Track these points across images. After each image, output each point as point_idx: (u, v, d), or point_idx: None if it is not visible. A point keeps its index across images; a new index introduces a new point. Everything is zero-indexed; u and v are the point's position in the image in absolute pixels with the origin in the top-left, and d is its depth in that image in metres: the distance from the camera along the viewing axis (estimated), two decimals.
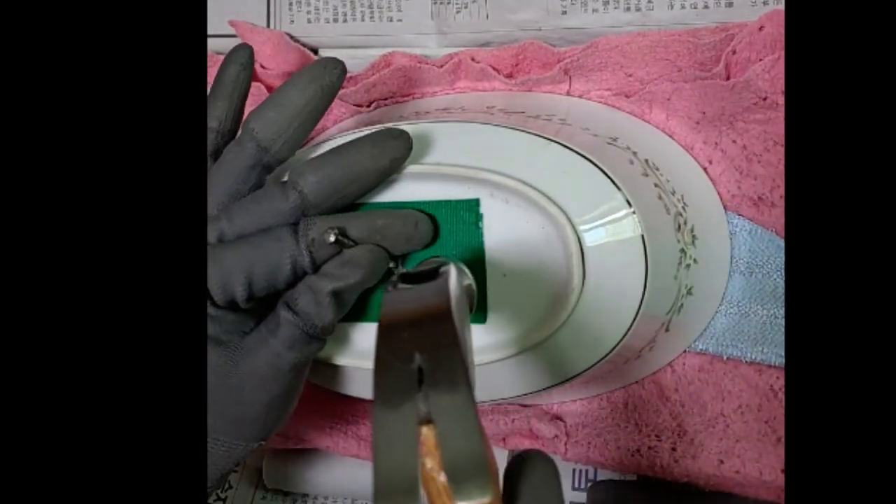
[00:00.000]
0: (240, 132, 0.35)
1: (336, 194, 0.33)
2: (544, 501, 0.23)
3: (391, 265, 0.35)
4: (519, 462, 0.24)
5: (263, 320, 0.34)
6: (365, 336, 0.38)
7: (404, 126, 0.35)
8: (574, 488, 0.43)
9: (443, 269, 0.30)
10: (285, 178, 0.34)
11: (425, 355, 0.22)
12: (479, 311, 0.35)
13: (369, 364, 0.36)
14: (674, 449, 0.40)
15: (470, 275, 0.34)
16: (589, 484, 0.43)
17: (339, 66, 0.35)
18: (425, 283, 0.28)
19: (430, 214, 0.35)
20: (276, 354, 0.33)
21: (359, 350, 0.37)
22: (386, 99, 0.45)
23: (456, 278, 0.29)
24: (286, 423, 0.37)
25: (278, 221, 0.33)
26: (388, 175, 0.34)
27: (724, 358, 0.39)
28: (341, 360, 0.38)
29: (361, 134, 0.34)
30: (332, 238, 0.32)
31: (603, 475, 0.43)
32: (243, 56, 0.37)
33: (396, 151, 0.34)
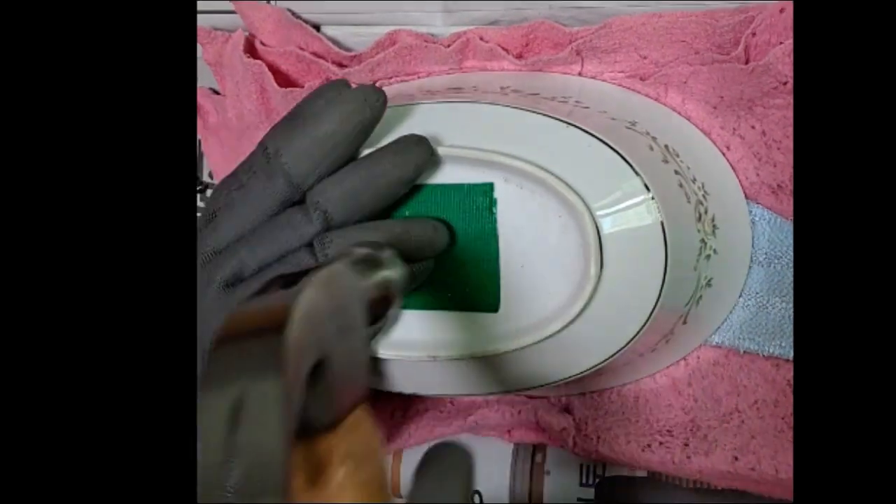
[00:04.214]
0: (262, 157, 0.32)
1: (361, 210, 0.31)
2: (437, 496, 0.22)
3: None
4: (424, 457, 0.23)
5: None
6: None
7: (415, 105, 0.33)
8: (582, 484, 0.42)
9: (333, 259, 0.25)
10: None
11: (244, 384, 0.19)
12: (491, 299, 0.34)
13: (386, 353, 0.36)
14: (686, 444, 0.38)
15: (397, 261, 0.30)
16: (597, 480, 0.41)
17: (380, 98, 0.32)
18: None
19: (444, 221, 0.34)
20: None
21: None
22: (390, 78, 0.43)
23: (340, 274, 0.24)
24: None
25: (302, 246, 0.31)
26: (411, 183, 0.32)
27: (741, 352, 0.38)
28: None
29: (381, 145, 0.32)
30: None
31: (612, 471, 0.42)
32: (370, 106, 0.32)
33: (419, 158, 0.32)
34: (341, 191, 0.31)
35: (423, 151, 0.32)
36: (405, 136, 0.32)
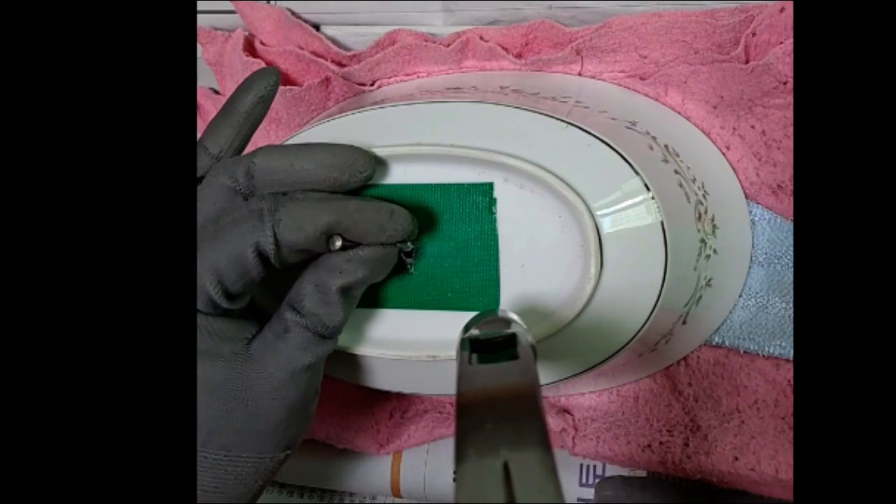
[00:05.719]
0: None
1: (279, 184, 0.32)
2: None
3: (401, 245, 0.34)
4: None
5: (267, 324, 0.33)
6: (379, 324, 0.37)
7: (415, 105, 0.33)
8: (581, 484, 0.41)
9: (520, 338, 0.27)
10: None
11: (512, 452, 0.20)
12: (490, 298, 0.34)
13: (386, 353, 0.36)
14: (686, 444, 0.38)
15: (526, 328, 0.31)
16: (597, 480, 0.41)
17: (273, 75, 0.35)
18: (502, 356, 0.26)
19: (408, 206, 0.34)
20: (289, 359, 0.32)
21: (374, 339, 0.36)
22: (390, 77, 0.43)
23: (531, 350, 0.27)
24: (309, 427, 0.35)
25: (228, 197, 0.32)
26: (344, 187, 0.33)
27: (741, 352, 0.38)
28: (355, 349, 0.36)
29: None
30: (339, 245, 0.32)
31: (612, 471, 0.42)
32: (264, 86, 0.35)
33: (355, 166, 0.32)
34: (272, 162, 0.32)
35: (360, 159, 0.33)
36: (349, 145, 0.33)
